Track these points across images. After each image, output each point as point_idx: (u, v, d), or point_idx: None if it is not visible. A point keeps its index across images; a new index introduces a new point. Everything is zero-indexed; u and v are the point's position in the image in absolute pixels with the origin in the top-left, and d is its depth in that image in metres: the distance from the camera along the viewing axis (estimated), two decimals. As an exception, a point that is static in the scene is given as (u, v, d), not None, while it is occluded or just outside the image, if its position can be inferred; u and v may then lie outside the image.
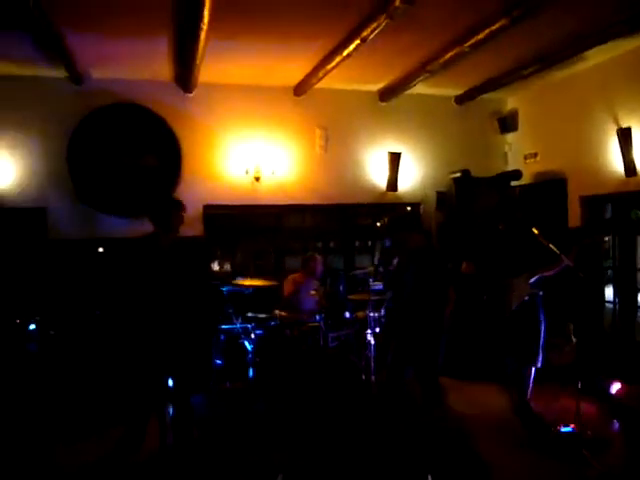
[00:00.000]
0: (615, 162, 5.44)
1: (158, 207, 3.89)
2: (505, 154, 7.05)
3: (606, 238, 5.96)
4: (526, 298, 4.40)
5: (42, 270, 5.39)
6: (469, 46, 4.77)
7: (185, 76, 5.49)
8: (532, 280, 4.56)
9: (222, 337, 5.14)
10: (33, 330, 4.87)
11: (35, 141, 5.54)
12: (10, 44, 4.64)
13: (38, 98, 5.51)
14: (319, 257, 5.67)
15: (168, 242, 3.83)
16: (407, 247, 4.39)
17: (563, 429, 3.97)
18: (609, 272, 5.97)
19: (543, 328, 4.33)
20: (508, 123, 6.95)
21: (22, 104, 5.48)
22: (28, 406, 4.39)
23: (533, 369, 4.33)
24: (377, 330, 4.87)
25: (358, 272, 5.61)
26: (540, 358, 4.28)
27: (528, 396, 4.35)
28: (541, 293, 4.43)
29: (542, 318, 4.36)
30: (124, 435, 3.73)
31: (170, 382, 3.72)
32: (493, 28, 4.39)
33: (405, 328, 4.19)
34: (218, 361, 5.13)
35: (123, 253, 3.99)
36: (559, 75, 5.96)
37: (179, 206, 3.92)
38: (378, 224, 4.76)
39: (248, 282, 4.99)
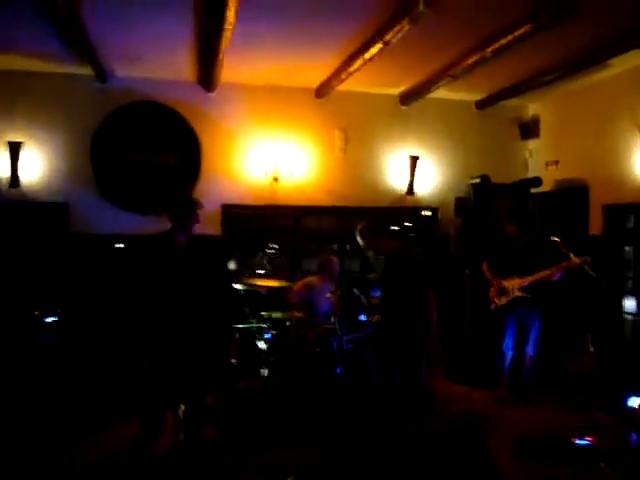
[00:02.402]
0: (639, 171, 5.36)
1: (176, 205, 3.91)
2: (526, 160, 6.99)
3: (627, 248, 5.89)
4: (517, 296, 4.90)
5: (63, 264, 5.47)
6: (491, 51, 4.74)
7: (207, 76, 5.54)
8: (524, 285, 4.67)
9: (237, 336, 5.16)
10: (51, 322, 4.95)
11: (60, 137, 5.65)
12: (38, 41, 4.74)
13: (64, 95, 5.62)
14: (336, 258, 5.64)
15: (184, 240, 3.85)
16: (381, 252, 4.39)
17: (579, 442, 3.92)
18: (629, 283, 5.89)
19: (536, 324, 4.92)
20: (529, 129, 6.89)
21: (49, 101, 5.60)
22: (44, 398, 4.45)
23: (507, 359, 5.04)
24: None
25: (373, 276, 5.60)
26: (509, 347, 5.02)
27: (504, 381, 5.04)
28: (529, 296, 4.86)
29: (528, 315, 4.93)
30: (141, 430, 3.75)
31: (182, 380, 3.74)
32: (517, 34, 4.36)
33: (387, 334, 4.19)
34: (233, 360, 5.16)
35: (138, 249, 4.01)
36: (582, 82, 5.89)
37: (196, 205, 3.93)
38: (359, 227, 4.50)
39: (263, 282, 5.00)
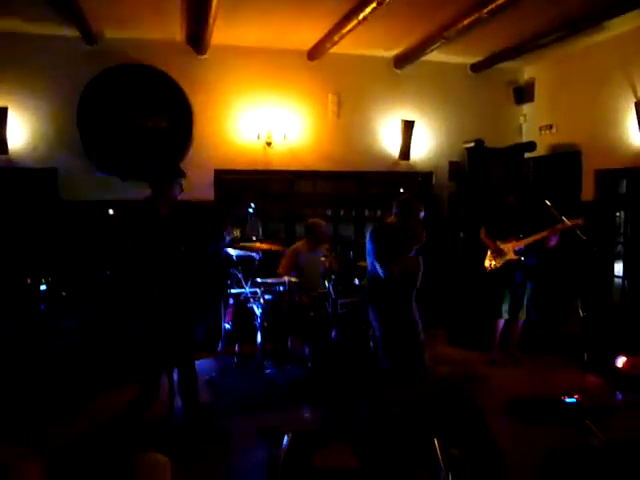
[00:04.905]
0: (632, 136, 5.36)
1: (155, 174, 3.78)
2: (520, 125, 6.96)
3: (617, 213, 5.95)
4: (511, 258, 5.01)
5: (53, 230, 5.42)
6: (487, 12, 4.65)
7: (198, 37, 5.40)
8: (517, 248, 4.75)
9: (231, 301, 5.20)
10: (44, 291, 4.94)
11: (46, 102, 5.49)
12: (22, 1, 4.57)
13: (50, 57, 5.44)
14: (322, 222, 5.53)
15: (167, 207, 3.76)
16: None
17: (568, 400, 4.04)
18: (619, 247, 5.97)
19: (529, 289, 5.08)
20: (524, 93, 6.84)
21: (33, 63, 5.42)
22: (38, 366, 4.47)
23: (501, 322, 5.15)
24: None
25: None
26: (506, 310, 5.09)
27: (496, 344, 5.20)
28: (523, 259, 5.00)
29: (522, 280, 5.05)
30: (136, 395, 3.80)
31: (174, 345, 3.76)
32: (514, -6, 4.28)
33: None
34: (227, 325, 5.21)
35: (126, 216, 3.95)
36: (578, 45, 5.82)
37: (177, 175, 3.79)
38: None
39: (257, 245, 5.00)
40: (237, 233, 4.47)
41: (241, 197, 5.95)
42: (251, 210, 5.12)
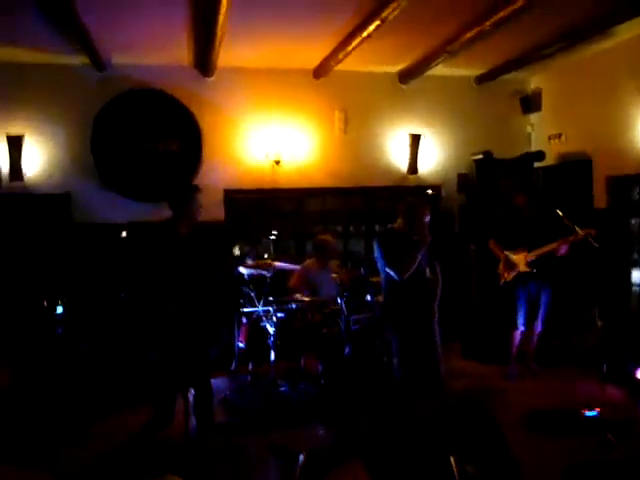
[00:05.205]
0: (642, 142, 5.31)
1: (174, 193, 3.89)
2: (528, 135, 6.92)
3: (632, 221, 5.86)
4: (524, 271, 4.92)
5: (68, 254, 5.50)
6: (490, 25, 4.66)
7: (204, 60, 5.49)
8: (530, 260, 4.69)
9: (244, 320, 5.20)
10: (60, 314, 4.99)
11: (60, 128, 5.64)
12: (32, 32, 4.70)
13: (62, 85, 5.60)
14: (330, 239, 5.52)
15: (187, 228, 3.84)
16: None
17: (588, 413, 3.95)
18: (635, 254, 5.87)
19: (545, 300, 4.97)
20: (531, 103, 6.81)
21: (46, 92, 5.57)
22: (55, 388, 4.50)
23: (518, 334, 5.06)
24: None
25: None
26: (522, 322, 5.00)
27: (513, 357, 5.10)
28: (535, 270, 4.89)
29: (537, 290, 4.96)
30: (152, 416, 3.80)
31: (190, 365, 3.77)
32: (515, 6, 4.29)
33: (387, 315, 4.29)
34: (240, 344, 5.20)
35: (141, 238, 4.02)
36: (584, 53, 5.80)
37: (193, 190, 3.90)
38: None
39: (267, 262, 5.00)
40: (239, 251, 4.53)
41: (260, 224, 5.97)
42: (273, 237, 5.17)
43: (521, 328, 5.05)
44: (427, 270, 4.18)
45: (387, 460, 2.82)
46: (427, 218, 4.14)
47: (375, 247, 4.19)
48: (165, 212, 3.94)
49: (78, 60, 5.42)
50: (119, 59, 5.62)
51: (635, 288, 5.77)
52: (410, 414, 3.35)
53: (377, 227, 6.76)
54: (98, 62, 5.48)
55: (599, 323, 5.02)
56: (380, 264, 4.20)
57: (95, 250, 5.55)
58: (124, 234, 5.67)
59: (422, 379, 4.12)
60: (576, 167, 6.13)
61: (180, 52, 5.51)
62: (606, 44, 5.53)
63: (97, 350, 4.85)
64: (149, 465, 3.40)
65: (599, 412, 3.89)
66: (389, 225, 4.43)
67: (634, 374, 4.49)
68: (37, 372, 4.56)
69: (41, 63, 5.46)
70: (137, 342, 4.82)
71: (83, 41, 4.85)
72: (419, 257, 4.03)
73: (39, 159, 5.61)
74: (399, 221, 4.23)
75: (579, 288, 5.74)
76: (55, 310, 4.97)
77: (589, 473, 2.77)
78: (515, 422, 3.93)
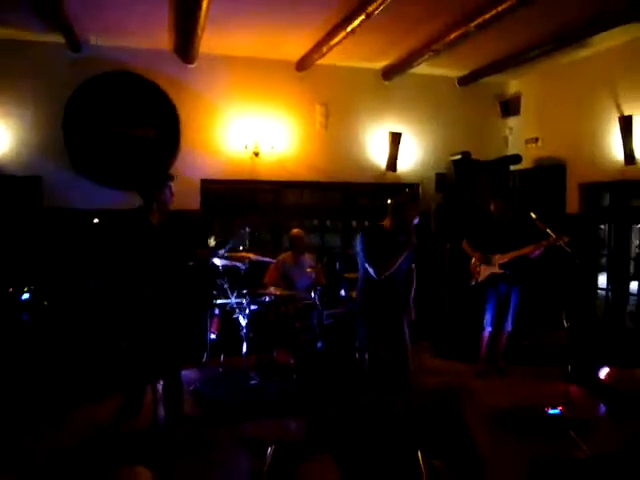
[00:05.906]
0: (615, 150, 5.44)
1: (144, 182, 3.79)
2: (506, 138, 7.03)
3: (602, 226, 6.01)
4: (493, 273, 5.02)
5: (37, 239, 5.35)
6: (475, 26, 4.72)
7: (186, 46, 5.40)
8: (501, 262, 4.76)
9: (217, 312, 5.16)
10: (26, 300, 4.86)
11: (30, 108, 5.44)
12: (7, 7, 4.54)
13: (34, 64, 5.40)
14: (300, 232, 5.55)
15: (159, 217, 3.76)
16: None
17: (551, 411, 4.05)
18: (603, 260, 6.03)
19: (514, 300, 5.08)
20: (510, 107, 6.93)
21: (17, 70, 5.38)
22: (22, 376, 4.39)
23: (486, 333, 5.16)
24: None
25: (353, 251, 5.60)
26: (489, 322, 5.11)
27: (482, 356, 5.21)
28: (507, 272, 4.99)
29: (507, 291, 5.07)
30: (122, 405, 3.75)
31: (160, 356, 3.72)
32: (500, 8, 4.35)
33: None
34: (212, 335, 5.17)
35: (114, 226, 3.93)
36: (563, 60, 5.92)
37: (166, 179, 3.79)
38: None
39: (245, 255, 4.97)
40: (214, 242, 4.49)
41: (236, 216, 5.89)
42: (247, 230, 5.12)
43: (488, 329, 5.14)
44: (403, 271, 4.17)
45: (356, 454, 2.84)
46: (416, 220, 4.00)
47: (359, 240, 4.13)
48: (138, 200, 3.86)
49: (52, 38, 5.24)
50: (96, 40, 5.46)
51: (601, 292, 5.93)
52: (376, 408, 3.38)
53: (354, 223, 6.79)
54: (74, 42, 5.32)
55: (566, 325, 5.13)
56: (360, 258, 4.16)
57: (65, 236, 5.41)
58: (96, 221, 5.55)
59: (390, 375, 4.14)
60: (551, 172, 6.25)
61: (161, 37, 5.40)
62: (585, 52, 5.65)
63: (66, 338, 4.73)
64: (117, 455, 3.35)
65: (562, 411, 3.99)
66: (378, 222, 4.32)
67: (597, 375, 4.61)
68: (1, 359, 4.44)
69: (12, 39, 5.26)
70: (107, 331, 4.73)
71: (59, 19, 4.70)
72: (401, 260, 3.92)
73: (8, 140, 5.40)
74: (387, 219, 4.15)
75: (548, 290, 5.87)
76: (21, 296, 4.83)
77: (552, 470, 2.84)
78: (481, 419, 3.99)
